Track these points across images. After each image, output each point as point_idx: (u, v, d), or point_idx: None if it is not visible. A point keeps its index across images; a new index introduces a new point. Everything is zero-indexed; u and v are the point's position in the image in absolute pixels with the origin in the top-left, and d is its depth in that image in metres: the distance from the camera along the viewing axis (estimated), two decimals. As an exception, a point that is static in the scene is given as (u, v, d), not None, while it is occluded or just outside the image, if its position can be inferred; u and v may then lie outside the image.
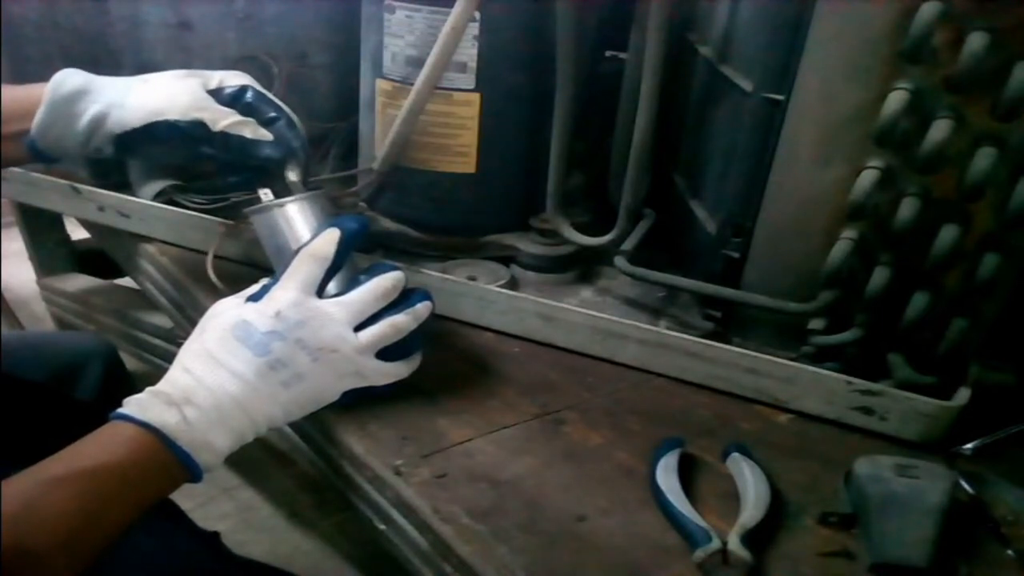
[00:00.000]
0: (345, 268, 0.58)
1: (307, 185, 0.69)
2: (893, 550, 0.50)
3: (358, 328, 0.56)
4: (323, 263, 0.56)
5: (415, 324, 0.58)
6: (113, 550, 0.47)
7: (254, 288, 0.57)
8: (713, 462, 0.59)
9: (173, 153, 0.72)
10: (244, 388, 0.51)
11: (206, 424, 0.49)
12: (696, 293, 0.74)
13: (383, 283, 0.57)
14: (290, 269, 0.56)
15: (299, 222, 0.64)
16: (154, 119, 0.66)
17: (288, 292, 0.55)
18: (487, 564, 0.49)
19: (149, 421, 0.48)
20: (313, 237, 0.57)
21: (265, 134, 0.68)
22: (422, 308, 0.59)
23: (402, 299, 0.58)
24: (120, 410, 0.49)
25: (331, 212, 0.67)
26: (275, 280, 0.56)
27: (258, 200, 0.67)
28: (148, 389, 0.51)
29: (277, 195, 0.67)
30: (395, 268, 0.59)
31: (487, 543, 0.50)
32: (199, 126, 0.66)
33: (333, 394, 0.56)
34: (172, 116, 0.66)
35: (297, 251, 0.57)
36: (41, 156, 0.67)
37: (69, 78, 0.65)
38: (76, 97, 0.65)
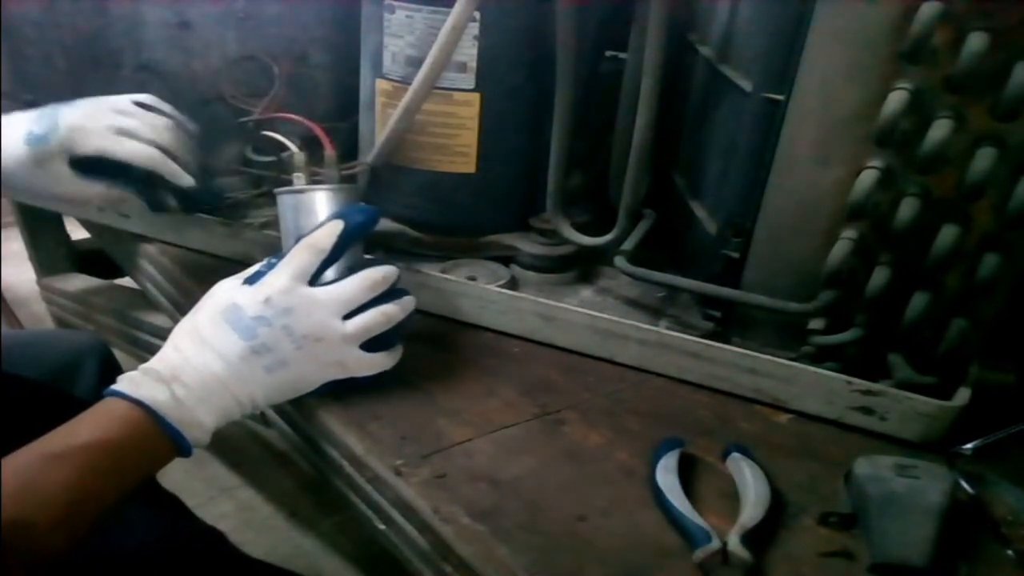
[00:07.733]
0: (347, 259, 0.59)
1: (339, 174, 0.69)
2: (893, 550, 0.49)
3: (347, 318, 0.57)
4: (320, 254, 0.57)
5: (403, 315, 0.60)
6: (118, 545, 0.48)
7: (253, 269, 0.58)
8: (713, 462, 0.59)
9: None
10: (228, 369, 0.53)
11: (193, 401, 0.51)
12: (696, 293, 0.74)
13: (373, 275, 0.58)
14: (287, 257, 0.57)
15: (321, 211, 0.63)
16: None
17: (280, 279, 0.56)
18: (487, 564, 0.49)
19: (140, 398, 0.50)
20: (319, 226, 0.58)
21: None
22: (408, 300, 0.61)
23: (389, 293, 0.59)
24: (113, 387, 0.51)
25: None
26: (274, 264, 0.57)
27: (290, 182, 0.67)
28: (140, 367, 0.53)
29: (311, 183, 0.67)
30: (389, 264, 0.60)
31: (487, 543, 0.50)
32: None
33: (314, 382, 0.57)
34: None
35: (299, 239, 0.58)
36: None
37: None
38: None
